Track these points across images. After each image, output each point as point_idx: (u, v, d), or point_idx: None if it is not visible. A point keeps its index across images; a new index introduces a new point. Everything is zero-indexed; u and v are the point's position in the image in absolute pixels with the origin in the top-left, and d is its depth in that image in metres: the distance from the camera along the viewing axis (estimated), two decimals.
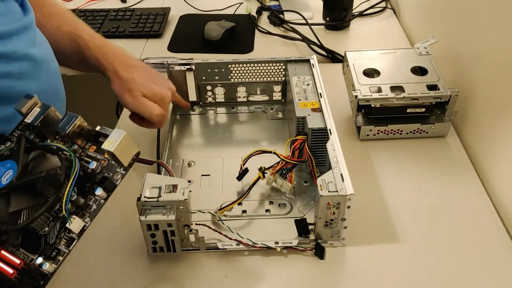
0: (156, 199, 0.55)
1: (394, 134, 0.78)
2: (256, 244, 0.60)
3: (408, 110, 0.76)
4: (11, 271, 0.39)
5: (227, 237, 0.61)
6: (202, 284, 0.58)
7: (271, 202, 0.67)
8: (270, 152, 0.67)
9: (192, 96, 0.84)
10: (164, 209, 0.55)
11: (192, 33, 1.10)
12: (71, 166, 0.43)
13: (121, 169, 0.47)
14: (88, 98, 1.19)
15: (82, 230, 0.42)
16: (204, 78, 0.82)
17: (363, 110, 0.78)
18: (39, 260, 0.41)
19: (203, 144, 0.79)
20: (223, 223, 0.62)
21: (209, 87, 0.83)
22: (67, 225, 0.42)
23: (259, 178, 0.66)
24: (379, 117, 0.77)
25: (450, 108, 0.76)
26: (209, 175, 0.72)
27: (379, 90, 0.75)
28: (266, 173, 0.66)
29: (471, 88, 0.76)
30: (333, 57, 1.00)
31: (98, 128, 0.48)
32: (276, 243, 0.60)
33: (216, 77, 0.82)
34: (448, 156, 0.75)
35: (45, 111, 0.48)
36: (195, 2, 1.21)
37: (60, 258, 0.42)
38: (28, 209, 0.42)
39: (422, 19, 1.03)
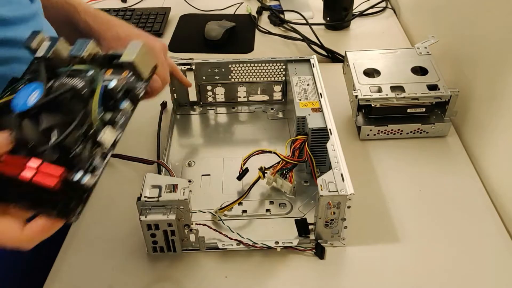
0: (156, 199, 0.55)
1: (394, 134, 0.78)
2: (256, 244, 0.60)
3: (409, 110, 0.76)
4: (54, 181, 0.38)
5: (227, 237, 0.61)
6: (202, 284, 0.58)
7: (271, 202, 0.67)
8: (270, 152, 0.67)
9: (192, 96, 0.84)
10: (164, 209, 0.55)
11: (192, 33, 1.10)
12: (94, 81, 0.43)
13: (142, 82, 0.46)
14: None
15: (115, 142, 0.41)
16: (204, 78, 0.82)
17: (363, 110, 0.78)
18: (79, 173, 0.39)
19: (203, 144, 0.79)
20: (223, 223, 0.62)
21: (209, 87, 0.83)
22: (98, 138, 0.41)
23: (259, 178, 0.66)
24: (379, 117, 0.77)
25: (451, 108, 0.76)
26: (209, 175, 0.72)
27: (380, 90, 0.75)
28: (266, 173, 0.66)
29: (471, 88, 0.76)
30: (333, 57, 1.00)
31: (110, 51, 0.47)
32: (276, 243, 0.60)
33: (216, 77, 0.82)
34: (448, 156, 0.75)
35: (55, 43, 0.47)
36: (196, 2, 1.21)
37: (98, 172, 0.40)
38: (59, 126, 0.41)
39: (422, 19, 1.03)
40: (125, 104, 0.43)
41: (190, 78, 0.81)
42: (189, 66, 0.80)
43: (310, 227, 0.62)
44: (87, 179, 0.39)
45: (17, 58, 0.59)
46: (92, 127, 0.41)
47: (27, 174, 0.38)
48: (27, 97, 0.41)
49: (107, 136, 0.40)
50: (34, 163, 0.39)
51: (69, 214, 0.38)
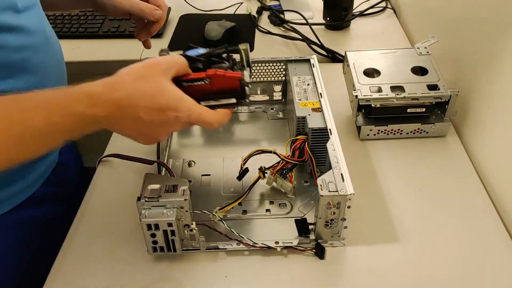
0: (156, 199, 0.55)
1: (394, 134, 0.78)
2: (256, 244, 0.60)
3: (408, 110, 0.76)
4: (239, 76, 0.56)
5: (227, 237, 0.61)
6: (202, 284, 0.58)
7: (271, 202, 0.67)
8: (270, 152, 0.67)
9: None
10: (164, 209, 0.55)
11: (192, 33, 1.10)
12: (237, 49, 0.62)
13: (246, 68, 0.62)
14: None
15: (248, 82, 0.58)
16: None
17: (363, 110, 0.78)
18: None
19: (203, 144, 0.79)
20: (223, 223, 0.62)
21: None
22: (243, 72, 0.58)
23: (259, 178, 0.66)
24: (379, 117, 0.77)
25: (450, 108, 0.76)
26: (209, 175, 0.72)
27: (380, 90, 0.75)
28: (266, 173, 0.66)
29: (471, 88, 0.76)
30: (333, 57, 1.00)
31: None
32: (276, 243, 0.60)
33: None
34: (448, 156, 0.75)
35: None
36: (196, 2, 1.21)
37: (248, 89, 0.58)
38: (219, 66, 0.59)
39: (422, 19, 1.03)
40: (247, 68, 0.62)
41: None
42: None
43: (310, 227, 0.62)
44: (246, 88, 0.58)
45: (29, 46, 0.60)
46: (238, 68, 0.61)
47: (221, 72, 0.56)
48: (197, 51, 0.60)
49: (246, 73, 0.58)
50: (219, 72, 0.56)
51: (241, 103, 0.58)
